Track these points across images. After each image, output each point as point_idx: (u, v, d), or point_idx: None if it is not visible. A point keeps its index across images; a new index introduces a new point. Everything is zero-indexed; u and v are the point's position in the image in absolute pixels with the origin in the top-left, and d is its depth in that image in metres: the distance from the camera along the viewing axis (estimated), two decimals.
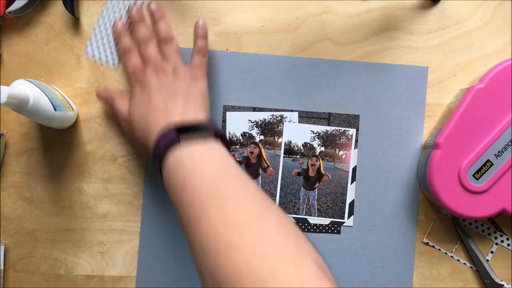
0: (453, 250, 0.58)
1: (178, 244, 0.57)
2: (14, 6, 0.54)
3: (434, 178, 0.52)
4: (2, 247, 0.56)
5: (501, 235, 0.57)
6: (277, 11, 0.57)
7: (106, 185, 0.57)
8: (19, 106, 0.45)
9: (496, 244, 0.58)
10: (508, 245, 0.57)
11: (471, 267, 0.57)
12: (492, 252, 0.58)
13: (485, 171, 0.52)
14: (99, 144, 0.57)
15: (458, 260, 0.57)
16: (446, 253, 0.58)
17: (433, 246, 0.58)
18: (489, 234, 0.58)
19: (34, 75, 0.56)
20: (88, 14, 0.57)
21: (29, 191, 0.57)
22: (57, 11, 0.56)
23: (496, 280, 0.56)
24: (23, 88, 0.47)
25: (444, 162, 0.52)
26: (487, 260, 0.57)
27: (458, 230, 0.57)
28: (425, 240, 0.58)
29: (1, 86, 0.43)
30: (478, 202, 0.53)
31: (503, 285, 0.57)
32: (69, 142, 0.57)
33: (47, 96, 0.49)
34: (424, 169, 0.54)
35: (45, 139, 0.57)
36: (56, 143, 0.57)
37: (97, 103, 0.57)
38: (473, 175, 0.52)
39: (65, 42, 0.57)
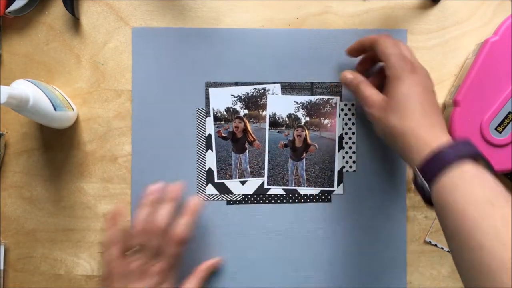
0: None
1: None
2: (14, 6, 0.54)
3: (456, 136, 0.52)
4: (2, 247, 0.56)
5: None
6: (277, 11, 0.57)
7: (106, 185, 0.57)
8: (19, 106, 0.45)
9: None
10: None
11: None
12: None
13: (508, 123, 0.52)
14: (99, 144, 0.57)
15: None
16: (448, 251, 0.58)
17: (436, 245, 0.58)
18: None
19: (34, 75, 0.56)
20: (88, 14, 0.57)
21: (29, 191, 0.57)
22: (57, 11, 0.56)
23: None
24: (23, 88, 0.47)
25: (465, 118, 0.52)
26: None
27: None
28: (427, 239, 0.58)
29: (1, 86, 0.43)
30: (503, 155, 0.53)
31: None
32: (69, 142, 0.57)
33: (47, 96, 0.49)
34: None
35: (45, 139, 0.57)
36: (56, 143, 0.57)
37: (97, 103, 0.57)
38: (496, 129, 0.52)
39: (65, 42, 0.57)
